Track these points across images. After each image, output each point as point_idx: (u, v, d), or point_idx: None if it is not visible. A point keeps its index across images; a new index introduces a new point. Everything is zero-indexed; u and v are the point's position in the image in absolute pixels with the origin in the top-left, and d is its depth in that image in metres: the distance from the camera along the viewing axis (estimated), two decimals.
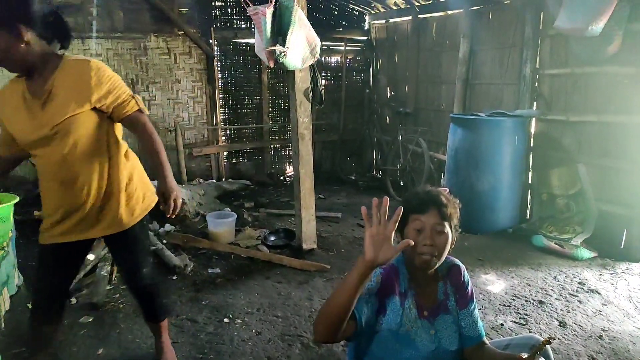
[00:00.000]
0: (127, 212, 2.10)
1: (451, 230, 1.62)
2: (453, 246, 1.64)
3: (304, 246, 4.05)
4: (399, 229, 1.69)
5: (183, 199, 4.68)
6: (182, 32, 5.99)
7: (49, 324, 2.10)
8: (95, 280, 3.32)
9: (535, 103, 4.60)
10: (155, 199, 2.20)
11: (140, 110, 2.03)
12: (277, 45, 3.30)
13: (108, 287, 3.31)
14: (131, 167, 2.16)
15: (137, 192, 2.15)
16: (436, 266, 1.63)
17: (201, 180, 6.23)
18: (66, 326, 2.84)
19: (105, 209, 2.04)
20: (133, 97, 2.00)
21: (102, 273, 3.38)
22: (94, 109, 1.91)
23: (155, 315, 2.37)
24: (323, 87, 6.97)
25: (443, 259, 1.64)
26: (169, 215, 2.00)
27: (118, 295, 3.26)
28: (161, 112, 6.08)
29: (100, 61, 1.95)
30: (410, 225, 1.62)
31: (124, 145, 2.14)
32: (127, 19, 5.72)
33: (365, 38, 7.21)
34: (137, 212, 2.14)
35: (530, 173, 4.72)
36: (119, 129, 2.09)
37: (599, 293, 3.35)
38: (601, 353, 2.64)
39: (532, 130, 4.64)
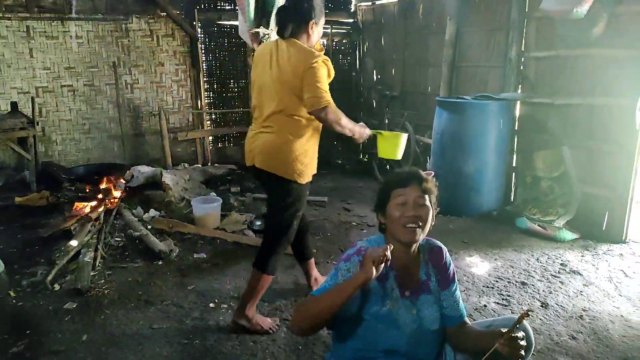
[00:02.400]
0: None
1: (431, 205, 1.68)
2: (433, 223, 1.69)
3: None
4: (381, 209, 1.71)
5: (169, 186, 4.62)
6: (165, 14, 5.88)
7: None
8: (79, 266, 3.28)
9: (520, 86, 4.61)
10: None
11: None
12: (261, 27, 3.24)
13: (92, 273, 3.28)
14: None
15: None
16: (420, 239, 1.67)
17: (186, 165, 6.17)
18: (50, 312, 2.83)
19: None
20: None
21: (86, 259, 3.34)
22: None
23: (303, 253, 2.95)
24: None
25: (426, 231, 1.69)
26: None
27: (103, 281, 3.24)
28: (144, 96, 5.99)
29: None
30: (393, 201, 1.68)
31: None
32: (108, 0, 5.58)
33: (351, 20, 7.15)
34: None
35: (514, 156, 4.75)
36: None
37: (580, 274, 3.40)
38: (581, 332, 2.69)
39: (517, 113, 4.66)
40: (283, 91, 2.44)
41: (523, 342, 1.49)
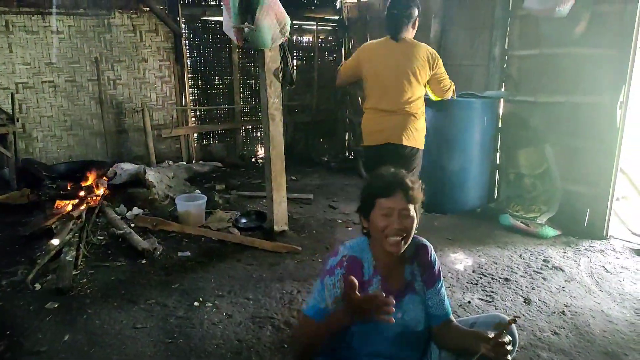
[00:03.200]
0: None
1: (416, 213, 1.65)
2: (417, 227, 1.67)
3: (276, 228, 4.03)
4: (365, 214, 1.70)
5: (152, 184, 4.57)
6: (148, 9, 5.79)
7: None
8: (60, 266, 3.23)
9: (504, 84, 4.66)
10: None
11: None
12: (246, 23, 3.22)
13: (74, 272, 3.23)
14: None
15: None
16: (404, 248, 1.65)
17: (170, 162, 6.11)
18: (31, 312, 2.78)
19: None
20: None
21: (68, 258, 3.29)
22: None
23: None
24: (295, 68, 6.88)
25: (410, 241, 1.66)
26: None
27: (85, 280, 3.20)
28: (127, 92, 5.91)
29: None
30: (377, 211, 1.64)
31: None
32: None
33: (337, 17, 7.13)
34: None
35: (498, 153, 4.79)
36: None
37: (562, 270, 3.45)
38: (563, 328, 2.73)
39: (501, 111, 4.70)
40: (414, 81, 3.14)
41: (509, 347, 1.49)
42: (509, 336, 1.52)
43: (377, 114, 3.21)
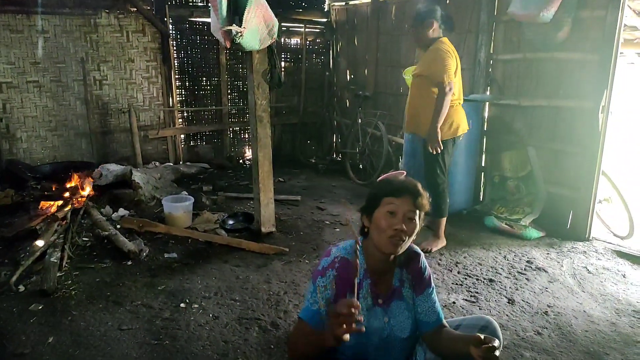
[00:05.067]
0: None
1: (419, 222, 1.65)
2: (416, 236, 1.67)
3: (263, 229, 4.04)
4: (368, 213, 1.70)
5: (138, 185, 4.55)
6: (135, 9, 5.76)
7: None
8: (45, 267, 3.20)
9: (489, 88, 4.72)
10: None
11: (442, 82, 3.41)
12: (234, 25, 3.22)
13: (59, 274, 3.20)
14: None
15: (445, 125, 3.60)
16: (401, 252, 1.65)
17: (157, 163, 6.09)
18: (14, 314, 2.75)
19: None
20: (442, 72, 3.42)
21: (52, 259, 3.26)
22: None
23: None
24: (283, 69, 6.92)
25: (407, 246, 1.66)
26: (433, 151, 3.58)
27: (70, 281, 3.17)
28: (113, 93, 5.86)
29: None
30: (383, 208, 1.63)
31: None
32: None
33: (325, 20, 7.16)
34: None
35: (483, 156, 4.85)
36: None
37: (545, 271, 3.51)
38: (546, 328, 2.77)
39: (486, 114, 4.76)
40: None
41: (498, 353, 1.47)
42: (498, 340, 1.52)
43: (461, 107, 3.72)
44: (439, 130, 3.50)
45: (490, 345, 1.45)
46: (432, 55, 3.56)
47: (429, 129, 3.54)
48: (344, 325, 1.29)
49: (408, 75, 4.25)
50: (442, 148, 3.55)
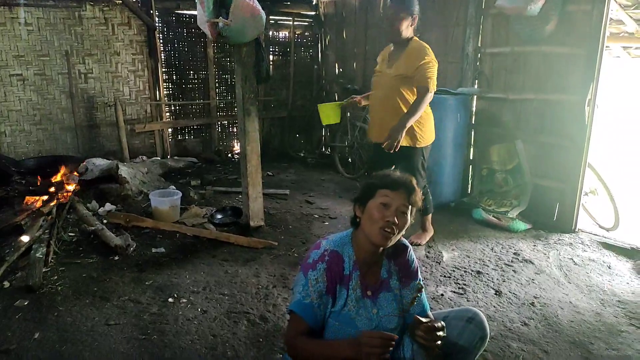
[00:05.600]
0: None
1: (410, 217, 1.68)
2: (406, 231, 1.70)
3: (252, 224, 4.02)
4: (362, 203, 1.71)
5: (125, 180, 4.51)
6: (121, 1, 5.68)
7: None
8: (30, 263, 3.15)
9: (477, 81, 4.73)
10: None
11: (427, 88, 3.21)
12: (220, 17, 3.20)
13: (45, 270, 3.16)
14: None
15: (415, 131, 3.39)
16: (390, 244, 1.67)
17: (144, 157, 6.03)
18: (0, 310, 2.71)
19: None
20: (429, 79, 3.22)
21: (38, 255, 3.21)
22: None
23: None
24: (271, 63, 6.87)
25: (397, 239, 1.69)
26: (386, 149, 3.23)
27: (56, 277, 3.13)
28: (99, 86, 5.79)
29: None
30: (378, 199, 1.65)
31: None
32: None
33: (313, 13, 7.13)
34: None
35: (472, 149, 4.88)
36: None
37: (532, 263, 3.54)
38: (533, 319, 2.80)
39: (474, 107, 4.78)
40: None
41: (441, 333, 1.53)
42: (441, 322, 1.57)
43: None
44: (404, 131, 3.21)
45: (427, 323, 1.52)
46: (420, 55, 3.26)
47: (396, 126, 3.20)
48: (377, 354, 1.45)
49: (326, 111, 3.70)
50: (397, 150, 3.23)
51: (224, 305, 2.86)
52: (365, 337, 1.49)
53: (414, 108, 3.22)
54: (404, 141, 3.27)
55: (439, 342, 1.52)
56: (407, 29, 3.34)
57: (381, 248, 1.70)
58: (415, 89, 3.32)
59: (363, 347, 1.47)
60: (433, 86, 3.23)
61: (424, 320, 1.54)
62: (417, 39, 3.39)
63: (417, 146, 3.43)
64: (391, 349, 1.47)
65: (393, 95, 3.37)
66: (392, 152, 3.23)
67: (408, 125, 3.21)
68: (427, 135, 3.49)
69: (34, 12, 5.27)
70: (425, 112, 3.35)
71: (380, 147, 3.30)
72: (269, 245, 3.71)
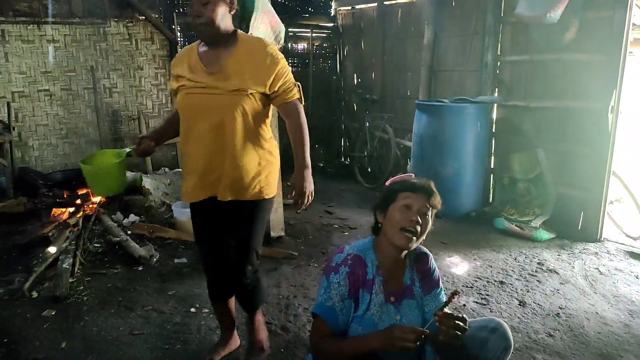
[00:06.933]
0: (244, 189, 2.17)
1: (430, 220, 1.70)
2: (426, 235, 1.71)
3: (272, 234, 4.05)
4: (383, 208, 1.74)
5: (149, 191, 4.57)
6: (144, 18, 5.83)
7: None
8: (57, 273, 3.23)
9: (496, 89, 4.71)
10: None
11: (300, 100, 2.18)
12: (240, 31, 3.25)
13: (71, 280, 3.24)
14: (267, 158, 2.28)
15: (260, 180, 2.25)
16: (412, 247, 1.69)
17: (167, 169, 6.12)
18: (28, 320, 2.78)
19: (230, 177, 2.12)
20: (296, 86, 2.15)
21: (64, 266, 3.29)
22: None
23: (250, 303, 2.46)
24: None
25: (419, 242, 1.71)
26: (297, 210, 2.20)
27: (82, 287, 3.20)
28: (123, 100, 5.93)
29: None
30: (400, 202, 1.68)
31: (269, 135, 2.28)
32: (85, 3, 5.51)
33: (331, 25, 7.19)
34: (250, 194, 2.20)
35: (492, 158, 4.84)
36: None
37: (557, 273, 3.48)
38: (558, 330, 2.75)
39: (494, 116, 4.75)
40: None
41: (461, 323, 1.52)
42: (464, 315, 1.56)
43: None
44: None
45: (447, 311, 1.52)
46: (272, 58, 2.05)
47: (301, 168, 2.23)
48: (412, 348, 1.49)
49: (98, 176, 2.54)
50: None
51: (245, 315, 2.88)
52: (398, 330, 1.51)
53: (302, 133, 2.21)
54: (246, 194, 2.18)
55: (459, 333, 1.51)
56: (224, 17, 2.02)
57: (403, 253, 1.71)
58: (267, 108, 2.18)
59: (396, 341, 1.49)
60: (300, 92, 2.21)
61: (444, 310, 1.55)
62: (242, 32, 2.16)
63: (266, 197, 2.30)
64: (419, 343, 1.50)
65: (231, 123, 2.04)
66: (299, 210, 2.26)
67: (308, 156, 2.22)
68: (275, 177, 2.39)
69: (61, 29, 5.45)
70: (272, 138, 2.35)
71: (206, 210, 2.20)
72: (290, 256, 3.72)
